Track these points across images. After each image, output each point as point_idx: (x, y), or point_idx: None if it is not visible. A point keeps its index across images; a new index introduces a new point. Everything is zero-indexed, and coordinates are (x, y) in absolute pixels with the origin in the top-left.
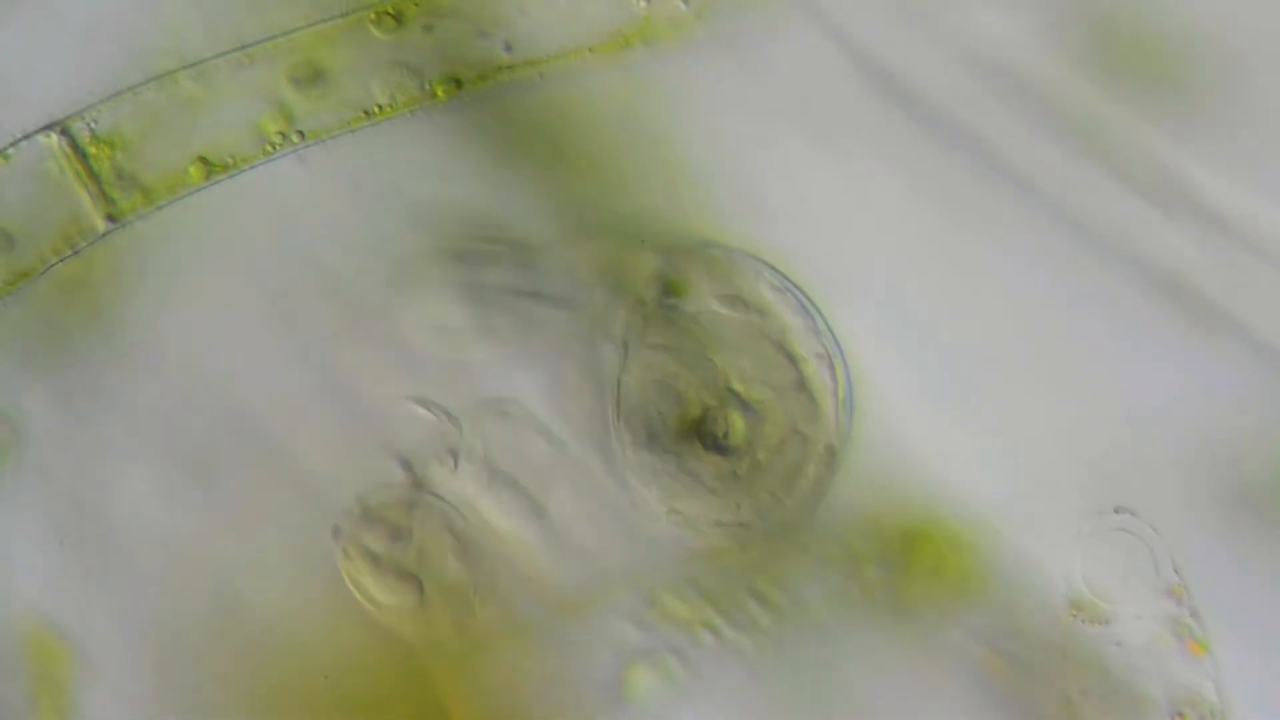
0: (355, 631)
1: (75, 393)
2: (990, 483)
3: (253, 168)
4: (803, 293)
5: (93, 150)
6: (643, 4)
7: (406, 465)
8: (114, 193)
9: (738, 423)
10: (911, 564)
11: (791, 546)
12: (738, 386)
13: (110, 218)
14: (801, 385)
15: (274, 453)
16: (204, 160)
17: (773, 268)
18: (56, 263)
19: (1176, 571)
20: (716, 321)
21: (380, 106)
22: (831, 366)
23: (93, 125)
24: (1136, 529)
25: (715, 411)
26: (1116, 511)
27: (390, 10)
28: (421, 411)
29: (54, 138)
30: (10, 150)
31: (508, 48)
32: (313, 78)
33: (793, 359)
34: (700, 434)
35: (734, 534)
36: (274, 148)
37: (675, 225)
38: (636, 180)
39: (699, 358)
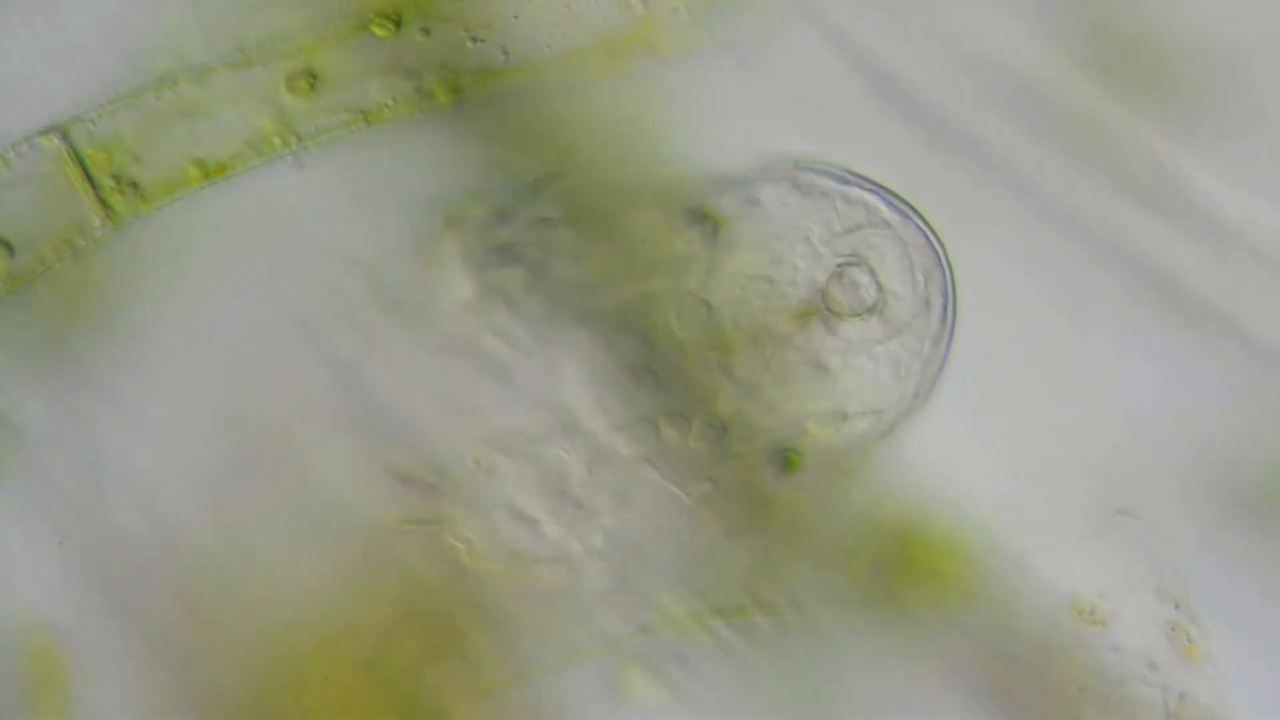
0: (355, 632)
1: (75, 393)
2: (989, 484)
3: (251, 171)
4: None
5: (91, 153)
6: (641, 8)
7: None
8: (112, 196)
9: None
10: (910, 566)
11: (792, 547)
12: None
13: (109, 220)
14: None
15: (274, 453)
16: (202, 163)
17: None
18: (56, 265)
19: (1175, 573)
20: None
21: (379, 110)
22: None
23: (92, 129)
24: (1135, 531)
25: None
26: (1116, 513)
27: (388, 14)
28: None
29: (53, 141)
30: (9, 153)
31: (505, 52)
32: (311, 81)
33: None
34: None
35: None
36: (272, 151)
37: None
38: (635, 180)
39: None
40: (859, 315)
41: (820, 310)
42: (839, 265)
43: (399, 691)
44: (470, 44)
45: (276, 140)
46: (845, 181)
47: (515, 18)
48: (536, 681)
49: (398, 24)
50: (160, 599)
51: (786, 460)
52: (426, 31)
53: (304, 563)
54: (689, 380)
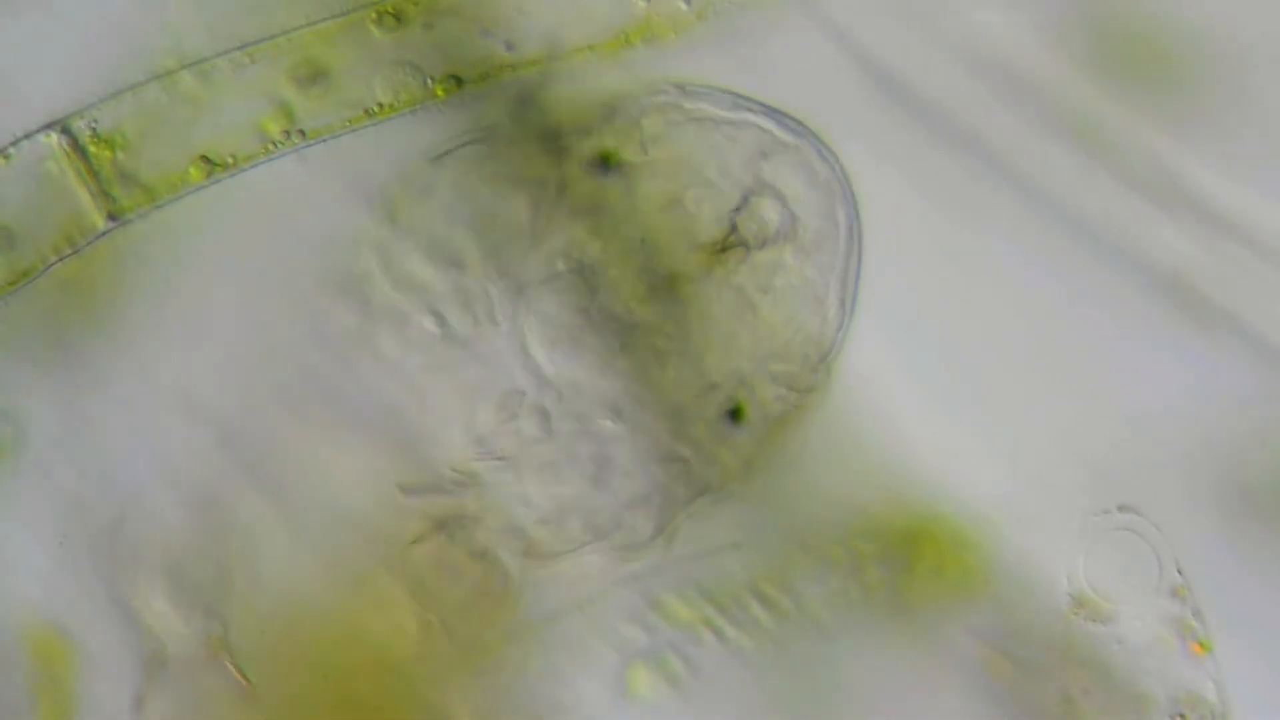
0: (357, 631)
1: (75, 392)
2: (992, 482)
3: (254, 166)
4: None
5: (94, 149)
6: (643, 3)
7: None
8: (115, 191)
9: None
10: (913, 563)
11: (793, 546)
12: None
13: (111, 216)
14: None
15: (275, 451)
16: (205, 159)
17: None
18: (57, 261)
19: (1179, 571)
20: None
21: (381, 105)
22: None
23: (94, 124)
24: (1139, 528)
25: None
26: (1119, 510)
27: (391, 9)
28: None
29: (55, 137)
30: (11, 150)
31: (509, 46)
32: (314, 77)
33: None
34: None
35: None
36: (275, 146)
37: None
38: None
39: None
40: (769, 244)
41: (731, 243)
42: (743, 197)
43: (400, 691)
44: (474, 38)
45: (279, 135)
46: (737, 107)
47: (520, 13)
48: (541, 678)
49: (400, 19)
50: (160, 597)
51: (736, 412)
52: (429, 26)
53: (304, 562)
54: (637, 342)
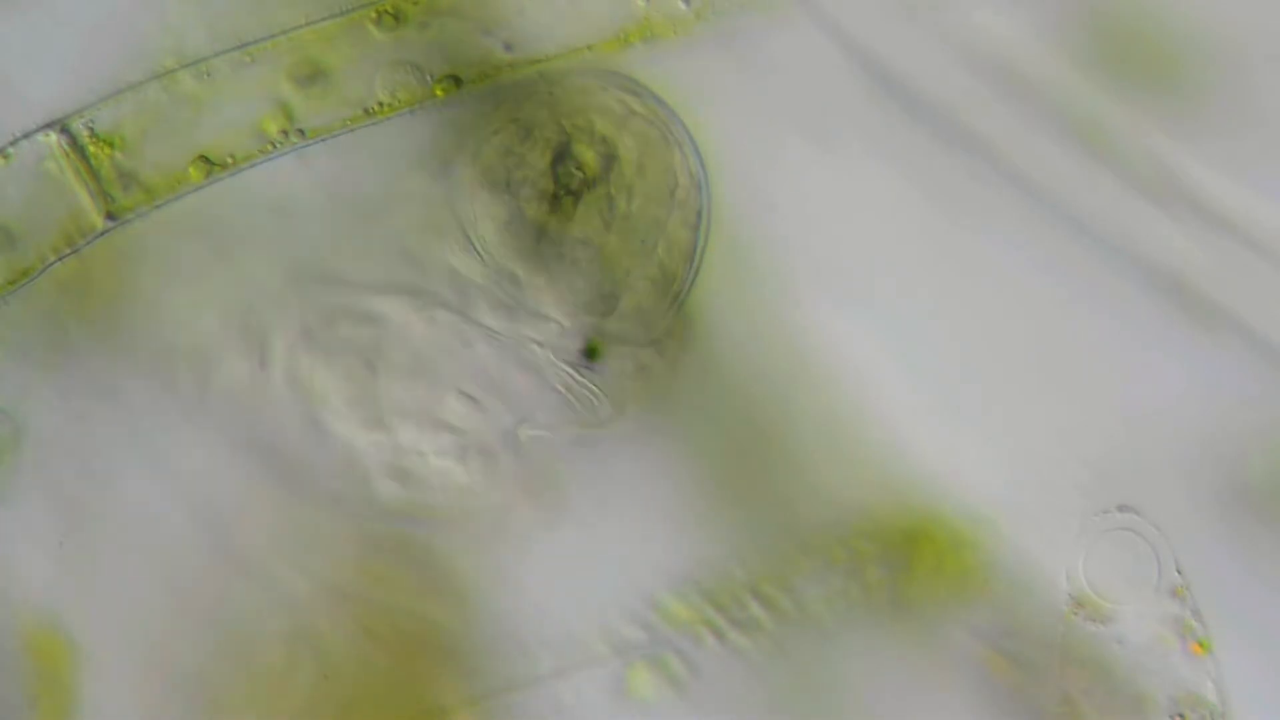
0: (358, 630)
1: (75, 392)
2: (992, 481)
3: (253, 166)
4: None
5: (93, 149)
6: (642, 2)
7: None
8: (114, 191)
9: (588, 155)
10: (913, 563)
11: (793, 546)
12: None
13: (110, 216)
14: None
15: (275, 450)
16: (204, 159)
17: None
18: (56, 261)
19: (1179, 570)
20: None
21: (381, 105)
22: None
23: (93, 124)
24: (1139, 527)
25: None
26: (1119, 510)
27: (390, 9)
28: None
29: (54, 136)
30: (10, 149)
31: (508, 46)
32: (313, 76)
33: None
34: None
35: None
36: (275, 146)
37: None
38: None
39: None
40: (595, 186)
41: (559, 192)
42: (558, 148)
43: (400, 691)
44: (473, 38)
45: (279, 135)
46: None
47: (520, 13)
48: (540, 680)
49: (399, 19)
50: (161, 598)
51: (592, 350)
52: (428, 26)
53: (305, 560)
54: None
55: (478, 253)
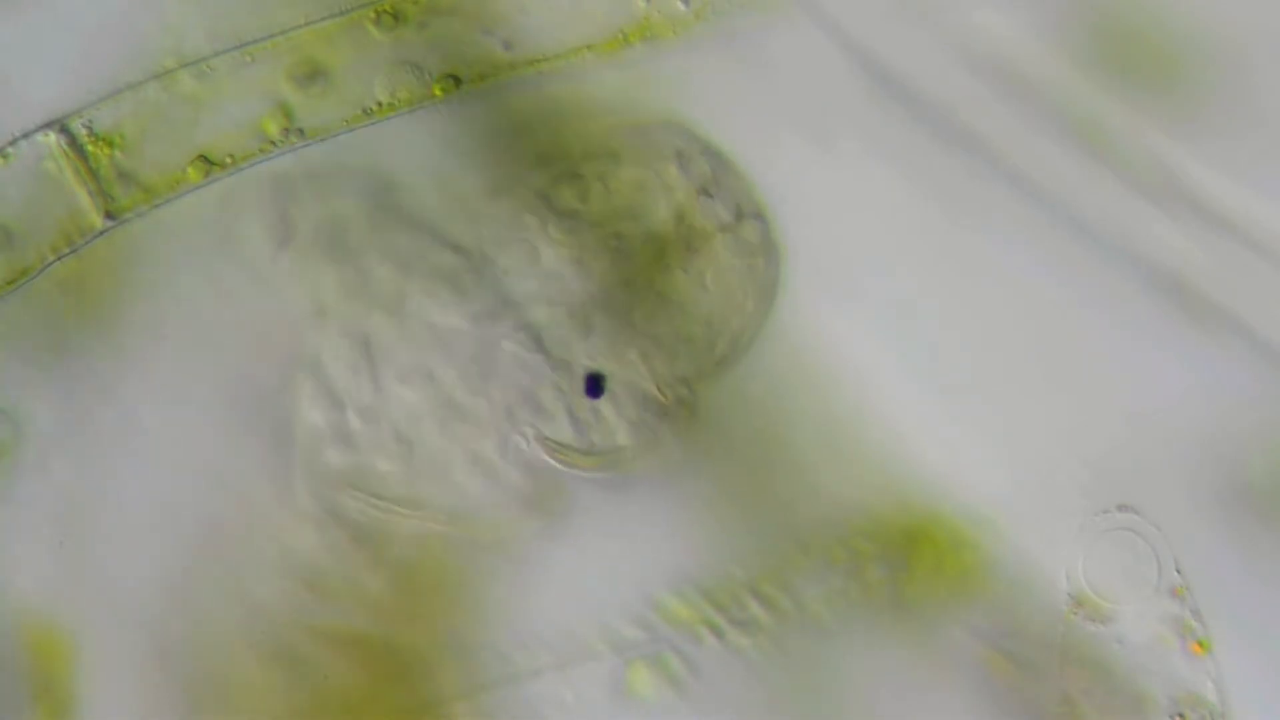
0: (358, 630)
1: (75, 391)
2: (992, 481)
3: (252, 165)
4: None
5: (92, 148)
6: (642, 3)
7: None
8: (113, 190)
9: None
10: (913, 563)
11: (793, 546)
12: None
13: (110, 215)
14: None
15: (276, 449)
16: (204, 158)
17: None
18: (55, 261)
19: (1178, 570)
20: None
21: (380, 104)
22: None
23: (92, 124)
24: (1139, 527)
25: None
26: (1119, 510)
27: (389, 9)
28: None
29: (53, 136)
30: (10, 149)
31: (507, 46)
32: (312, 76)
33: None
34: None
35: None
36: (274, 146)
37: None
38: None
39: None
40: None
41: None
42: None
43: (400, 689)
44: (472, 38)
45: (278, 135)
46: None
47: (519, 12)
48: (540, 679)
49: (398, 19)
50: (160, 597)
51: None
52: (427, 26)
53: (304, 560)
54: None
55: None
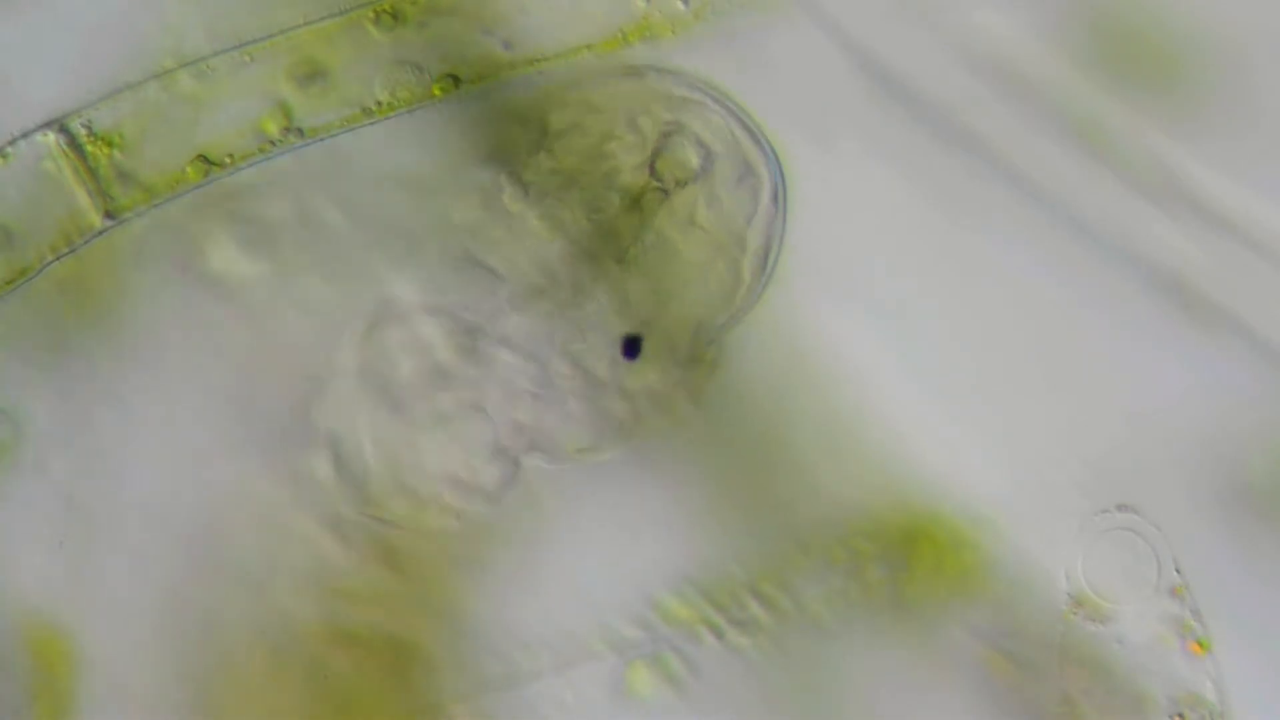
0: (359, 631)
1: (75, 391)
2: (991, 481)
3: (252, 165)
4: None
5: (91, 148)
6: (642, 3)
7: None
8: (113, 190)
9: (689, 154)
10: (913, 563)
11: (793, 546)
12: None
13: (109, 215)
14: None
15: (276, 449)
16: (203, 158)
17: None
18: (54, 260)
19: (1178, 570)
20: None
21: (380, 104)
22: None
23: (91, 123)
24: (1138, 527)
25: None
26: (1118, 510)
27: (389, 9)
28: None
29: (53, 136)
30: (9, 149)
31: (507, 45)
32: (312, 76)
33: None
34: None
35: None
36: (273, 145)
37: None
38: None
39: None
40: (687, 182)
41: (650, 188)
42: (661, 136)
43: (400, 690)
44: (472, 37)
45: (278, 135)
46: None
47: (519, 12)
48: (540, 679)
49: (397, 18)
50: (160, 598)
51: (632, 342)
52: (427, 25)
53: (303, 561)
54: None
55: (519, 254)
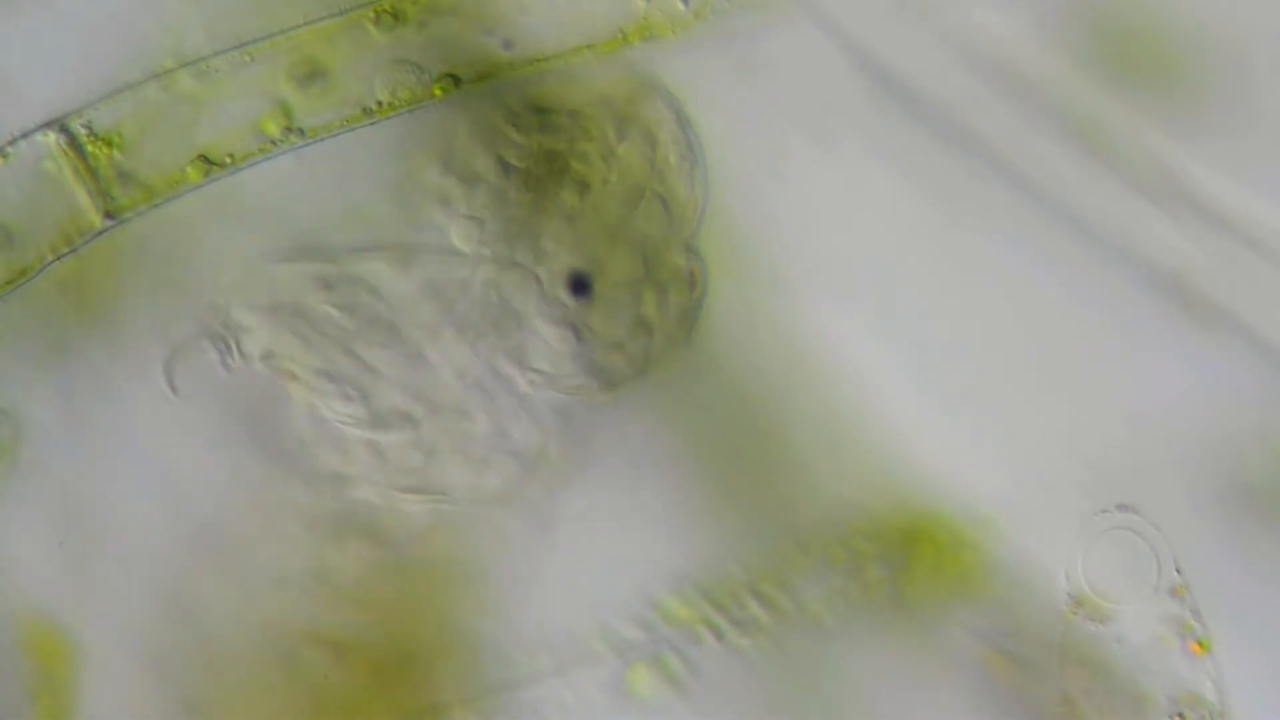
0: (358, 631)
1: (75, 392)
2: (991, 480)
3: (252, 165)
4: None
5: (91, 148)
6: (642, 2)
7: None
8: (113, 190)
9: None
10: (913, 563)
11: (793, 546)
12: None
13: (109, 215)
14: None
15: (276, 449)
16: (203, 158)
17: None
18: (54, 260)
19: (1178, 570)
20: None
21: (380, 104)
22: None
23: (91, 123)
24: (1138, 527)
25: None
26: (1118, 510)
27: (389, 9)
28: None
29: (53, 136)
30: (9, 148)
31: (507, 45)
32: (312, 76)
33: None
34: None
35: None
36: (274, 145)
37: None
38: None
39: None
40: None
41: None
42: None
43: (399, 690)
44: (472, 37)
45: (278, 134)
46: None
47: (519, 11)
48: (540, 679)
49: (398, 18)
50: (160, 597)
51: (578, 281)
52: (427, 25)
53: (303, 560)
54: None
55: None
